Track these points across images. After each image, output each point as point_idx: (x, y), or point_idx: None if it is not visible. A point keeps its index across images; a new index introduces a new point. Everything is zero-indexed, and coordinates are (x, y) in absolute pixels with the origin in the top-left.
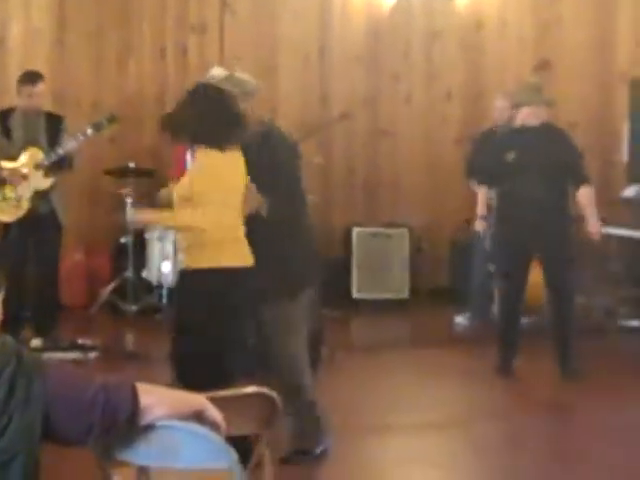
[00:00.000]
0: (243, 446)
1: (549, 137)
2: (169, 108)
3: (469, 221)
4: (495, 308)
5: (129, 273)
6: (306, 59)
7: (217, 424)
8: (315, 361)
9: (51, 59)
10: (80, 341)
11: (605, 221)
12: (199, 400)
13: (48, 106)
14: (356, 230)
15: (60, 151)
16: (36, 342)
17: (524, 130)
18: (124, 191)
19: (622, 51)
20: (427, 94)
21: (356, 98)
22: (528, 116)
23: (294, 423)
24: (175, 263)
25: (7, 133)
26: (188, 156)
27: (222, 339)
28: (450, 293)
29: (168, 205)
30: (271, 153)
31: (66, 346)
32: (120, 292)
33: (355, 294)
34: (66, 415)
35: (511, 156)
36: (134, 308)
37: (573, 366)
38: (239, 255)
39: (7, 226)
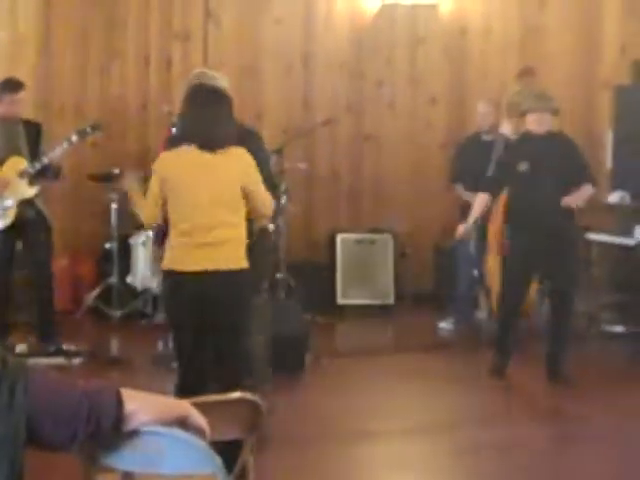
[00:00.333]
0: (228, 452)
1: (557, 146)
2: (152, 115)
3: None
4: (479, 313)
5: (114, 279)
6: (290, 66)
7: (201, 430)
8: (298, 367)
9: (36, 65)
10: (65, 346)
11: (588, 227)
12: (183, 406)
13: (31, 112)
14: (340, 236)
15: (45, 160)
16: (21, 347)
17: (532, 139)
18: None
19: (606, 58)
20: (411, 100)
21: (340, 104)
22: (533, 123)
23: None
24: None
25: None
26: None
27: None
28: (434, 298)
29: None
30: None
31: (51, 351)
32: (105, 297)
33: (339, 300)
34: (50, 421)
35: (523, 166)
36: (119, 313)
37: (565, 371)
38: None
39: None
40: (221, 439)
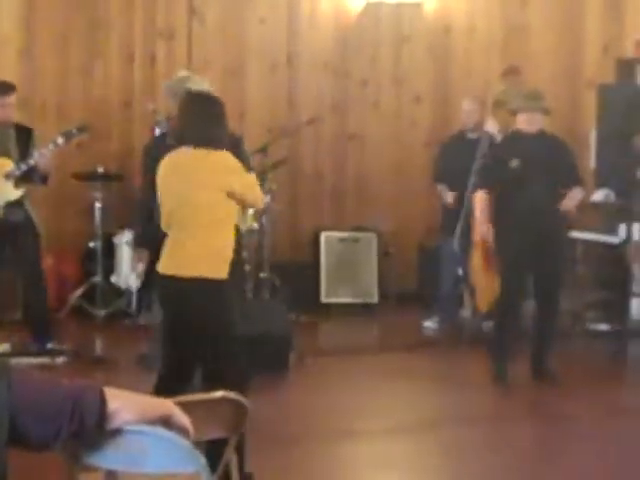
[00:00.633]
0: (213, 451)
1: (548, 145)
2: (136, 114)
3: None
4: (464, 312)
5: (98, 278)
6: (274, 64)
7: (185, 429)
8: (282, 366)
9: (18, 65)
10: (49, 346)
11: (573, 226)
12: (167, 405)
13: (14, 112)
14: (324, 234)
15: (31, 161)
16: (4, 347)
17: (523, 137)
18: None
19: (589, 57)
20: (395, 98)
21: (324, 103)
22: (524, 122)
23: None
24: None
25: None
26: None
27: None
28: (418, 297)
29: None
30: None
31: (34, 351)
32: (89, 297)
33: (323, 298)
34: (33, 420)
35: (514, 163)
36: (103, 313)
37: (551, 369)
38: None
39: None
40: (204, 438)
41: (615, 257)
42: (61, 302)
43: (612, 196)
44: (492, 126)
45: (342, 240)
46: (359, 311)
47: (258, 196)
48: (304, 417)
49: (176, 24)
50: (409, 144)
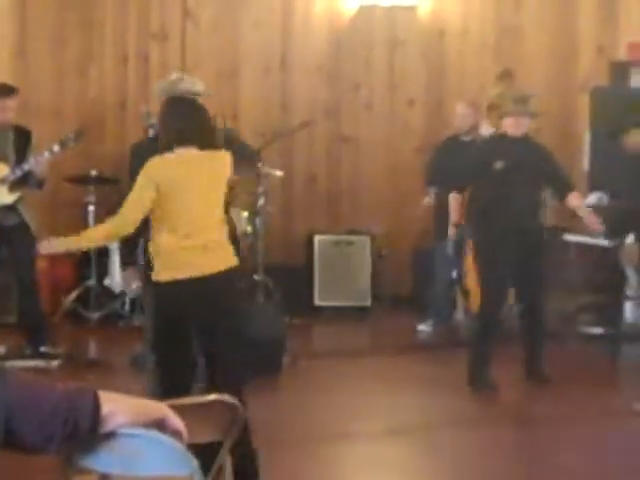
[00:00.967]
0: (207, 454)
1: (532, 149)
2: (130, 115)
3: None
4: (458, 315)
5: (92, 281)
6: (267, 67)
7: (178, 432)
8: (276, 369)
9: (12, 66)
10: (43, 349)
11: (566, 228)
12: (160, 408)
13: (14, 115)
14: (318, 238)
15: (26, 167)
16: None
17: (508, 139)
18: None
19: (583, 60)
20: (389, 102)
21: (318, 106)
22: (511, 126)
23: None
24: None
25: None
26: None
27: None
28: (412, 300)
29: None
30: None
31: (29, 354)
32: (83, 300)
33: (317, 302)
34: (27, 423)
35: (499, 165)
36: (97, 316)
37: (545, 371)
38: None
39: None
40: (198, 441)
41: (608, 260)
42: (55, 305)
43: (605, 199)
44: (486, 129)
45: (336, 243)
46: (353, 314)
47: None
48: (297, 420)
49: (170, 26)
50: (403, 147)
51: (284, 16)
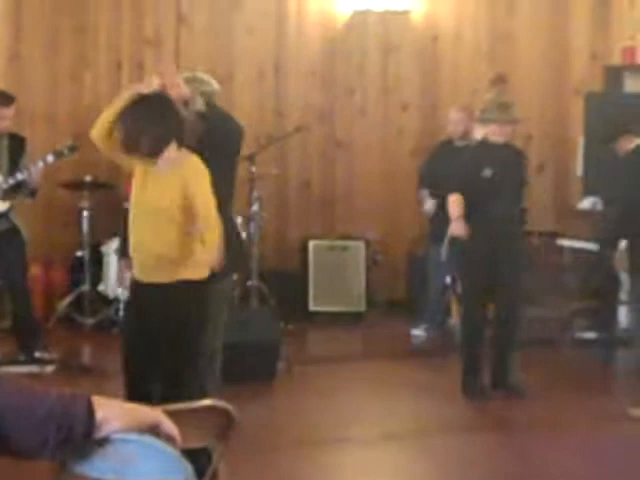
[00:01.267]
0: (201, 459)
1: (513, 156)
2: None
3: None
4: (451, 320)
5: (86, 287)
6: (261, 72)
7: (172, 437)
8: (270, 374)
9: (6, 73)
10: (37, 354)
11: (560, 233)
12: (154, 413)
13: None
14: (312, 243)
15: (19, 176)
16: None
17: (493, 147)
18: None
19: (577, 65)
20: (383, 106)
21: (312, 111)
22: (494, 133)
23: None
24: None
25: None
26: None
27: None
28: (406, 305)
29: None
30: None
31: (22, 360)
32: (77, 306)
33: (311, 307)
34: (21, 428)
35: (488, 173)
36: (91, 322)
37: (510, 382)
38: None
39: None
40: (192, 447)
41: (602, 265)
42: (49, 311)
43: (599, 204)
44: (480, 134)
45: (330, 248)
46: (347, 319)
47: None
48: (291, 425)
49: (164, 32)
50: (396, 152)
51: (278, 21)
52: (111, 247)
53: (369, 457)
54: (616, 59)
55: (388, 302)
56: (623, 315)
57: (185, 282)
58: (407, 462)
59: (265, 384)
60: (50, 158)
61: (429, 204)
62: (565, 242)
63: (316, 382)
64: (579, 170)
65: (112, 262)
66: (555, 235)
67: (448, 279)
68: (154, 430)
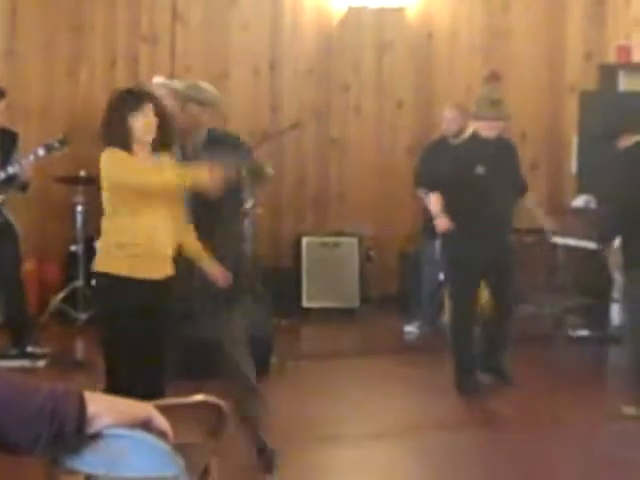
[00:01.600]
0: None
1: (505, 150)
2: None
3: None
4: (445, 317)
5: (79, 282)
6: (257, 69)
7: (164, 432)
8: (263, 370)
9: (1, 68)
10: (30, 349)
11: (554, 231)
12: (146, 409)
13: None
14: (305, 239)
15: (10, 170)
16: None
17: (483, 142)
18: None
19: (571, 63)
20: (378, 103)
21: (306, 108)
22: (485, 128)
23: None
24: None
25: None
26: None
27: None
28: (400, 302)
29: None
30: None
31: (15, 354)
32: (70, 300)
33: (305, 303)
34: (12, 423)
35: (480, 170)
36: (84, 317)
37: (506, 369)
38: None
39: None
40: (184, 442)
41: (596, 263)
42: (42, 306)
43: (593, 202)
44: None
45: (323, 245)
46: (340, 315)
47: None
48: (284, 421)
49: (159, 28)
50: (391, 149)
51: (273, 18)
52: None
53: (361, 453)
54: (611, 58)
55: (381, 298)
56: (616, 313)
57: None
58: (400, 458)
59: (258, 380)
60: (41, 152)
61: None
62: (559, 240)
63: (309, 378)
64: (573, 168)
65: None
66: (548, 232)
67: (441, 276)
68: (146, 425)
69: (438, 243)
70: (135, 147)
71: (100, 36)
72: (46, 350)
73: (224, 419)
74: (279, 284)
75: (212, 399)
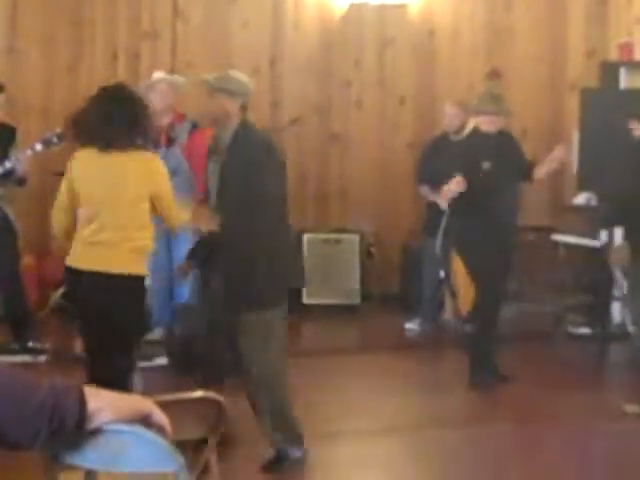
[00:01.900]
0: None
1: (506, 144)
2: None
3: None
4: (445, 314)
5: None
6: (258, 65)
7: (164, 428)
8: None
9: (2, 64)
10: (31, 344)
11: (554, 228)
12: (146, 404)
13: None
14: (307, 236)
15: (7, 164)
16: None
17: (486, 137)
18: None
19: (573, 61)
20: (379, 100)
21: (308, 104)
22: (486, 123)
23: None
24: None
25: None
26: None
27: None
28: (401, 299)
29: None
30: (241, 153)
31: (16, 349)
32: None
33: (306, 299)
34: (13, 418)
35: (486, 165)
36: None
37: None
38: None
39: None
40: (183, 438)
41: (597, 261)
42: (43, 301)
43: (594, 199)
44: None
45: (325, 241)
46: (341, 312)
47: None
48: None
49: (160, 24)
50: (392, 145)
51: (274, 14)
52: None
53: (362, 449)
54: (612, 55)
55: (382, 295)
56: (617, 311)
57: None
58: (400, 455)
59: None
60: (38, 146)
61: (439, 197)
62: (559, 237)
63: (310, 374)
64: (574, 166)
65: None
66: (550, 230)
67: (442, 273)
68: (145, 421)
69: (439, 241)
70: None
71: (101, 32)
72: (47, 345)
73: (223, 415)
74: None
75: (211, 395)
